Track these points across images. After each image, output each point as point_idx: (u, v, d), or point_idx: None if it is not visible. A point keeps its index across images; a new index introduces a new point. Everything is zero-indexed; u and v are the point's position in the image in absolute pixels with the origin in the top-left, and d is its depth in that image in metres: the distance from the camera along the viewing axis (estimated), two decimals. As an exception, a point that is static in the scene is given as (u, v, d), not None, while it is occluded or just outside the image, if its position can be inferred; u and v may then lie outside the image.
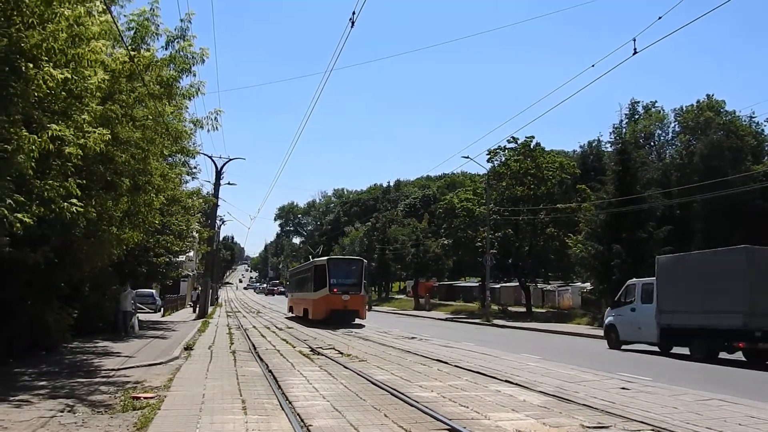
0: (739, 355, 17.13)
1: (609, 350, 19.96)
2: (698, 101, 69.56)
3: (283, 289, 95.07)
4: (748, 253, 17.06)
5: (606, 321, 22.71)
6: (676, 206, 51.87)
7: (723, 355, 17.32)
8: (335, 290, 30.29)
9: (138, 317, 30.02)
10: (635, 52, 14.12)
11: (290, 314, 40.94)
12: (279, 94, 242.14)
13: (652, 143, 74.62)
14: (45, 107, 9.47)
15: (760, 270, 16.35)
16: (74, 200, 9.54)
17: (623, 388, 11.04)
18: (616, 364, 15.75)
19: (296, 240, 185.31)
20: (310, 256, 52.95)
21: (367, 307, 35.64)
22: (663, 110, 75.99)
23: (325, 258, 35.38)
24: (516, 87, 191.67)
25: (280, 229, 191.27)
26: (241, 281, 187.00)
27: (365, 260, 35.90)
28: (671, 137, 74.63)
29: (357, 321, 31.00)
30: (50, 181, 9.25)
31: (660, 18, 13.66)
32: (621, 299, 22.01)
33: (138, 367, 13.42)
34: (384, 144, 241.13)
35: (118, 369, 12.89)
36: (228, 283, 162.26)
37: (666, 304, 18.88)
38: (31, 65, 8.39)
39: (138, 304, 35.70)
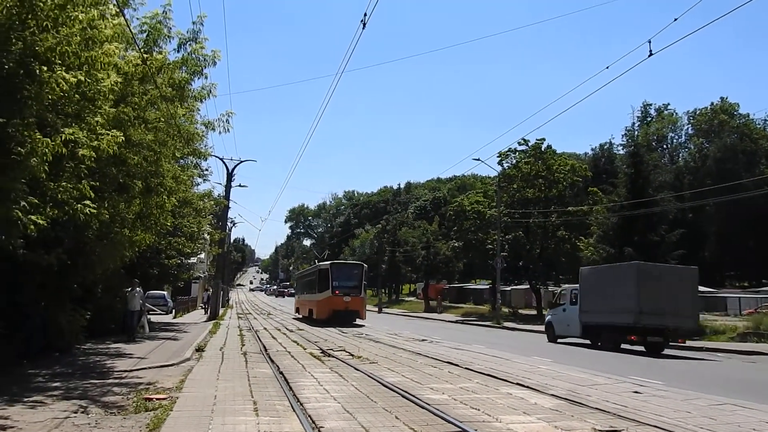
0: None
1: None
2: (712, 104, 69.24)
3: (293, 291, 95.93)
4: (639, 267, 21.94)
5: (546, 319, 27.32)
6: (689, 209, 51.56)
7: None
8: (337, 292, 32.44)
9: (149, 317, 30.27)
10: (650, 54, 14.03)
11: (297, 315, 42.75)
12: (290, 96, 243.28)
13: (664, 146, 74.32)
14: (59, 110, 9.53)
15: (647, 280, 20.83)
16: (87, 202, 9.59)
17: (636, 392, 10.96)
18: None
19: (307, 242, 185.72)
20: (316, 260, 54.50)
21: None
22: (676, 113, 75.71)
23: (328, 262, 37.71)
24: (528, 90, 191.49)
25: (290, 231, 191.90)
26: (251, 282, 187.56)
27: (365, 264, 38.12)
28: (684, 140, 74.28)
29: (358, 321, 33.08)
30: (64, 184, 9.30)
31: (676, 20, 13.59)
32: (556, 302, 26.71)
33: (150, 368, 13.47)
34: (394, 146, 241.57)
35: (131, 370, 12.94)
36: (240, 284, 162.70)
37: (585, 306, 23.24)
38: (45, 68, 8.45)
39: (149, 305, 36.06)
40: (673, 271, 23.20)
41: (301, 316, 40.40)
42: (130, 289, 20.23)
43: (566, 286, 27.26)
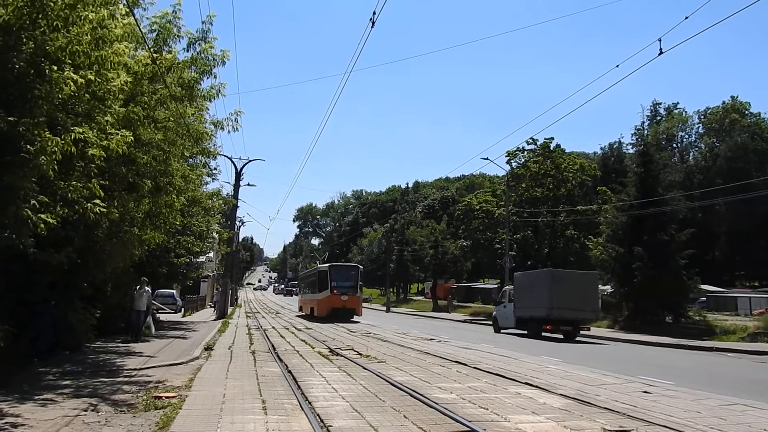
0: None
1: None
2: (723, 103, 68.78)
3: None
4: (552, 273, 27.87)
5: (492, 314, 33.61)
6: (699, 209, 51.26)
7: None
8: (335, 292, 36.01)
9: (158, 317, 30.34)
10: (661, 52, 13.95)
11: (300, 312, 45.79)
12: (298, 95, 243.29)
13: (674, 145, 73.92)
14: (69, 109, 9.57)
15: (558, 283, 26.27)
16: (97, 201, 9.62)
17: (645, 392, 10.92)
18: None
19: (315, 241, 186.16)
20: (317, 262, 56.88)
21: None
22: (686, 112, 75.24)
23: (327, 265, 41.75)
24: (535, 89, 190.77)
25: (298, 230, 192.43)
26: (260, 281, 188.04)
27: (361, 266, 43.02)
28: (694, 139, 73.85)
29: (355, 318, 36.34)
30: (74, 183, 9.33)
31: (687, 18, 13.52)
32: (500, 300, 32.91)
33: (159, 366, 13.52)
34: (403, 145, 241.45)
35: (140, 369, 13.00)
36: (249, 283, 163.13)
37: (517, 303, 28.84)
38: (55, 68, 8.49)
39: (157, 304, 36.16)
40: (579, 276, 28.65)
41: (304, 314, 43.02)
42: (138, 287, 19.75)
43: (507, 287, 32.75)
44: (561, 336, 26.38)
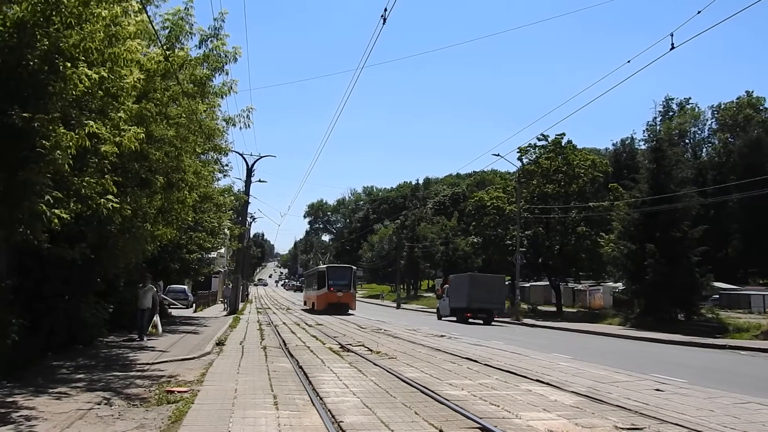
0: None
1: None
2: (738, 98, 68.17)
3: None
4: (471, 276, 39.14)
5: (437, 306, 43.58)
6: (712, 206, 50.83)
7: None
8: (332, 289, 42.64)
9: (169, 311, 30.53)
10: (672, 47, 13.87)
11: (305, 306, 51.77)
12: (310, 92, 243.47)
13: (687, 141, 73.33)
14: (82, 106, 9.63)
15: (474, 282, 36.26)
16: (110, 197, 9.68)
17: (657, 390, 10.88)
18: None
19: (325, 237, 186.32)
20: (320, 262, 66.14)
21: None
22: (698, 107, 74.59)
23: (325, 266, 51.45)
24: (547, 85, 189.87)
25: (309, 226, 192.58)
26: (270, 276, 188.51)
27: (354, 267, 50.77)
28: (707, 135, 73.21)
29: (350, 312, 42.01)
30: (87, 178, 9.39)
31: (699, 12, 13.43)
32: (441, 295, 43.40)
33: (171, 361, 13.63)
34: (413, 142, 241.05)
35: (152, 363, 13.10)
36: (260, 279, 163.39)
37: (450, 298, 38.62)
38: (69, 65, 8.54)
39: (170, 300, 36.37)
40: (490, 278, 38.77)
41: (307, 308, 49.23)
42: (141, 285, 18.88)
43: (447, 286, 41.22)
44: (480, 321, 35.64)
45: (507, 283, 43.26)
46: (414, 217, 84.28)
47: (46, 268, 13.01)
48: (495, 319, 36.63)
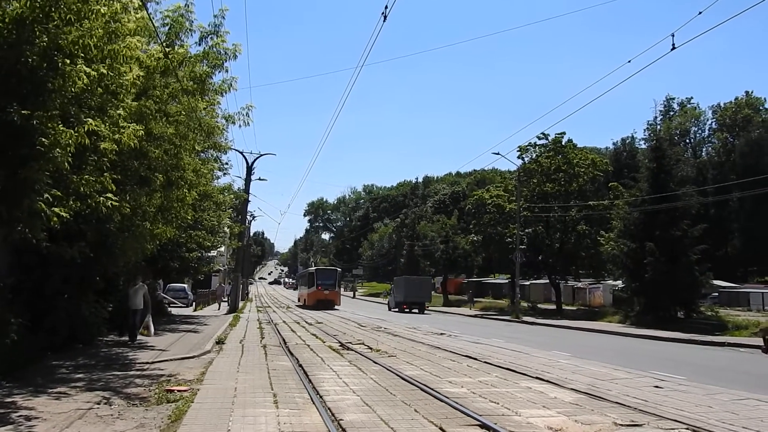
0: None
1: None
2: (737, 98, 68.22)
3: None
4: (405, 278, 52.86)
5: (387, 300, 56.04)
6: (712, 204, 50.86)
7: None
8: (320, 288, 49.50)
9: (170, 310, 30.52)
10: (673, 47, 13.86)
11: (299, 303, 57.33)
12: (310, 90, 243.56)
13: (687, 140, 73.36)
14: (82, 103, 9.61)
15: (408, 283, 50.03)
16: (110, 195, 9.64)
17: (656, 387, 10.89)
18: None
19: (325, 236, 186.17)
20: (319, 261, 73.77)
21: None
22: (699, 107, 74.64)
23: (314, 268, 62.57)
24: (548, 84, 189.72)
25: (309, 224, 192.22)
26: (270, 274, 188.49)
27: (339, 269, 61.07)
28: (708, 134, 73.23)
29: (336, 308, 47.55)
30: (86, 176, 9.36)
31: (700, 13, 13.43)
32: (390, 292, 56.55)
33: (171, 360, 13.62)
34: (414, 140, 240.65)
35: (152, 362, 13.10)
36: (262, 278, 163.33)
37: (395, 294, 50.62)
38: (68, 61, 8.52)
39: (170, 298, 36.34)
40: (419, 279, 52.89)
41: (300, 303, 55.25)
42: (132, 283, 17.51)
43: (393, 286, 55.12)
44: (416, 311, 46.85)
45: (433, 282, 63.91)
46: (414, 216, 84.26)
47: (47, 267, 12.99)
48: (427, 308, 49.05)
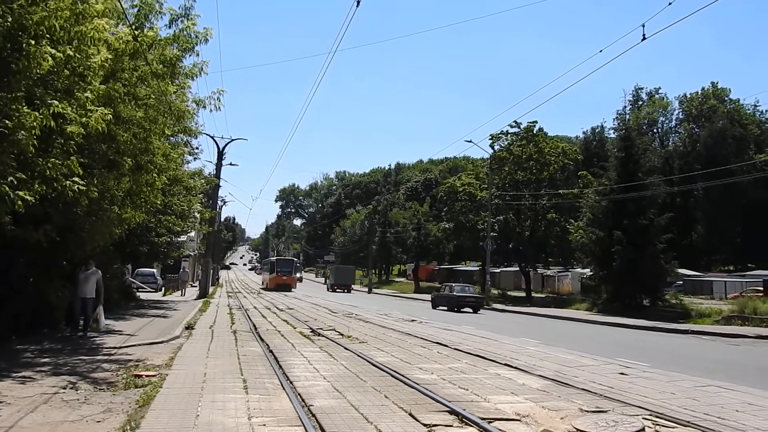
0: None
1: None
2: (703, 89, 69.30)
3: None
4: (336, 267, 77.65)
5: (328, 283, 72.48)
6: (678, 194, 51.80)
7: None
8: (279, 273, 59.45)
9: (138, 295, 30.16)
10: (644, 38, 14.03)
11: (262, 286, 65.43)
12: (283, 75, 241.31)
13: (655, 130, 74.43)
14: (48, 85, 9.41)
15: (337, 270, 71.31)
16: (76, 179, 9.50)
17: (622, 374, 11.10)
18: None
19: (297, 221, 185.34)
20: (273, 252, 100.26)
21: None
22: (666, 97, 75.71)
23: (275, 258, 76.67)
24: (522, 72, 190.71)
25: (281, 210, 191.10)
26: (242, 258, 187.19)
27: (296, 259, 77.85)
28: (675, 124, 74.39)
29: (292, 291, 55.29)
30: (52, 160, 9.19)
31: (670, 4, 13.57)
32: (327, 277, 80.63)
33: (139, 345, 13.49)
34: (386, 127, 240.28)
35: (120, 347, 12.96)
36: (233, 263, 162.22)
37: (331, 278, 70.46)
38: (33, 42, 8.33)
39: (138, 283, 35.90)
40: (345, 267, 72.83)
41: (263, 287, 63.39)
42: (84, 267, 14.77)
43: (329, 271, 71.94)
44: (344, 291, 60.56)
45: (357, 270, 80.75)
46: (386, 203, 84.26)
47: (12, 250, 12.74)
48: (353, 289, 63.83)
